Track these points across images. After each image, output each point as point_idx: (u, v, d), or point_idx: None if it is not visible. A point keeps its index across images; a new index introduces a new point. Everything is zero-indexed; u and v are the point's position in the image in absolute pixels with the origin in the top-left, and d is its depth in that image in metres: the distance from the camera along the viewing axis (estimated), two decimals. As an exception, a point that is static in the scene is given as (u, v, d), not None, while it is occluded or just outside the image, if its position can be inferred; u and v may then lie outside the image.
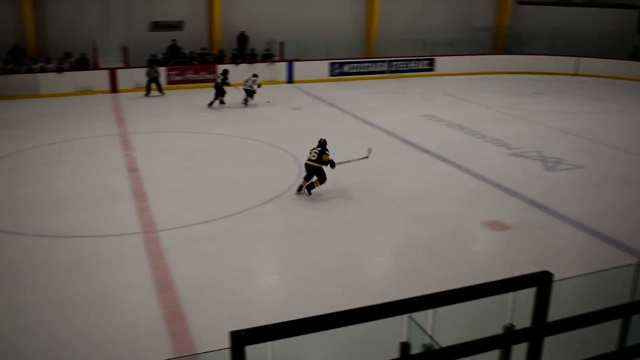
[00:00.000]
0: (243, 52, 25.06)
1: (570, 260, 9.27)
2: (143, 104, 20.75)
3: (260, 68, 24.01)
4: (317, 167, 11.27)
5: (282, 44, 25.61)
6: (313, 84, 24.75)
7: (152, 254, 8.96)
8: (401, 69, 26.99)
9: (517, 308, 2.75)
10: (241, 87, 20.14)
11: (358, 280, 8.45)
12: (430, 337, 3.79)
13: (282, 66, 25.19)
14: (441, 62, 27.52)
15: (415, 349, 3.53)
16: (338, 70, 25.78)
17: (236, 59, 24.22)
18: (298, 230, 10.19)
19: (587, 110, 20.52)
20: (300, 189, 11.46)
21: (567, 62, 28.27)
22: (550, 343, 3.05)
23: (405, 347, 3.91)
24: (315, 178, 11.31)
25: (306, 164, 11.42)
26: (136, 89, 22.08)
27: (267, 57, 25.04)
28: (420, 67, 27.25)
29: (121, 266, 8.67)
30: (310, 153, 11.38)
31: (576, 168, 13.67)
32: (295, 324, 2.06)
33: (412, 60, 27.19)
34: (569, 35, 28.92)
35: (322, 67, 25.63)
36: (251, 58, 24.77)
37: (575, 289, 5.26)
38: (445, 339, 2.46)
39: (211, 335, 6.60)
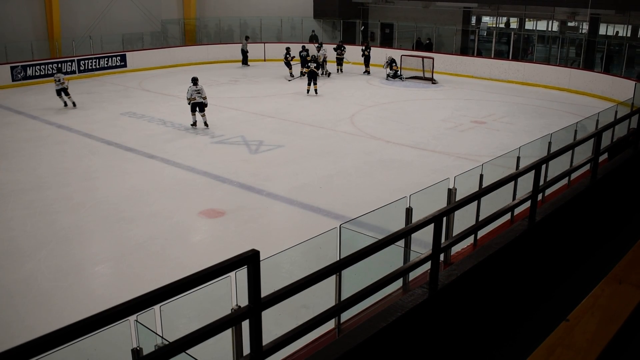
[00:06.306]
0: None
1: (285, 233, 10.01)
2: None
3: None
4: None
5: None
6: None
7: None
8: (93, 67, 25.66)
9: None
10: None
11: (82, 288, 8.03)
12: (161, 337, 3.79)
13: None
14: (134, 58, 26.89)
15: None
16: (22, 75, 23.45)
17: None
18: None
19: (278, 92, 22.09)
20: None
21: (257, 48, 29.97)
22: (275, 315, 3.29)
23: (136, 352, 3.87)
24: None
25: None
26: None
27: None
28: (112, 64, 26.26)
29: None
30: None
31: (277, 147, 14.70)
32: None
33: (103, 57, 26.02)
34: (255, 23, 30.72)
35: (2, 72, 22.97)
36: None
37: (292, 259, 5.70)
38: (179, 335, 2.50)
39: None
